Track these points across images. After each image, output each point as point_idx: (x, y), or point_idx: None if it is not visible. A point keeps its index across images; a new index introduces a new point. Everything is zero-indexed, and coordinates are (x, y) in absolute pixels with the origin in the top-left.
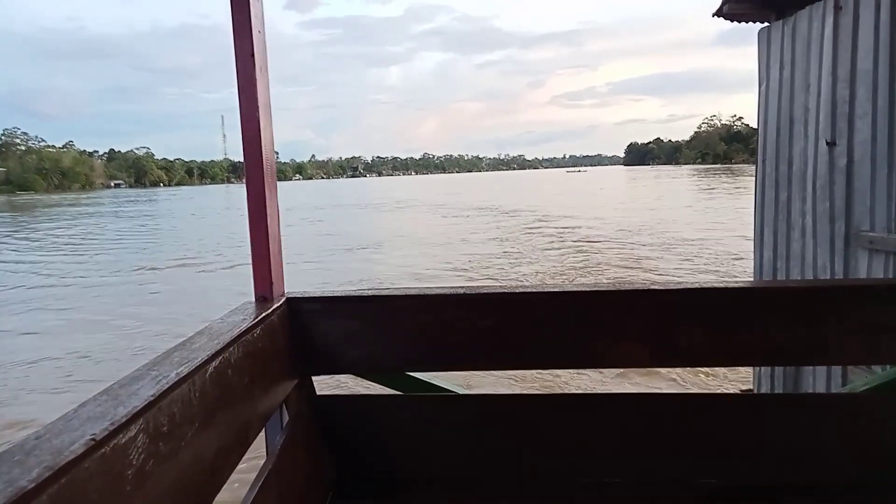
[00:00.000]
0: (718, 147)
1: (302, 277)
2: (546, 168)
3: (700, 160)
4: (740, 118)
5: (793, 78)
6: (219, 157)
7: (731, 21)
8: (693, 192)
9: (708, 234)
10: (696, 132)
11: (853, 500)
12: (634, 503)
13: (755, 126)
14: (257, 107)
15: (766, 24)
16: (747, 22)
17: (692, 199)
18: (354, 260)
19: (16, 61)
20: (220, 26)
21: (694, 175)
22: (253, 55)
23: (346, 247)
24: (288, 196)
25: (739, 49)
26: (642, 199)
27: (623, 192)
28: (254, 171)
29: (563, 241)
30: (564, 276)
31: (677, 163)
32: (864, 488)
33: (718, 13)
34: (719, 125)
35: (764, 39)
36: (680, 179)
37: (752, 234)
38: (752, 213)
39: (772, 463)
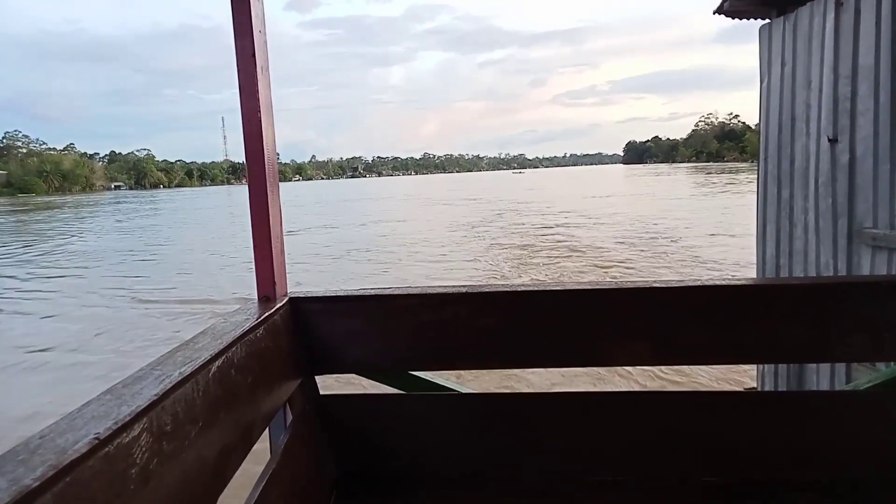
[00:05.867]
0: (712, 145)
1: (365, 231)
2: (546, 167)
3: (695, 158)
4: (736, 116)
5: (794, 74)
6: (219, 158)
7: (732, 18)
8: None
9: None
10: (693, 130)
11: (857, 498)
12: (638, 502)
13: (751, 124)
14: (259, 107)
15: (766, 20)
16: (748, 19)
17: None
18: (387, 225)
19: (17, 65)
20: (221, 27)
21: (670, 174)
22: (254, 55)
23: (377, 220)
24: (307, 192)
25: (740, 46)
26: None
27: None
28: (256, 171)
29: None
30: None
31: (674, 161)
32: (868, 485)
33: (719, 10)
34: (716, 123)
35: (765, 36)
36: (638, 177)
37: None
38: (755, 210)
39: (776, 461)
